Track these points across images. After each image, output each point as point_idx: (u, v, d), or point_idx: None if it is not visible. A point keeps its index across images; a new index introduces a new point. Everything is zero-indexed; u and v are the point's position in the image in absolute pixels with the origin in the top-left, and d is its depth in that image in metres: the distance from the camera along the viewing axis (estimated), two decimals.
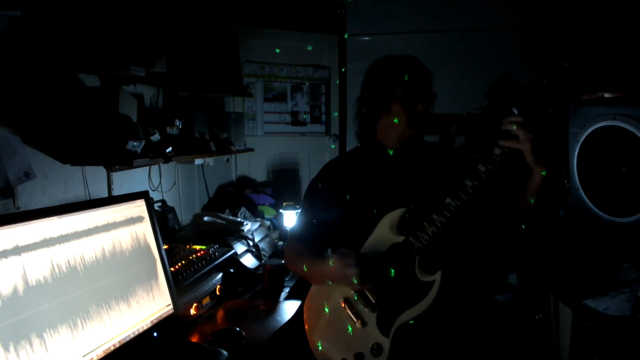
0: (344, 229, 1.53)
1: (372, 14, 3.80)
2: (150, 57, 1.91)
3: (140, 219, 1.49)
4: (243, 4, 3.31)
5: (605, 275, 1.57)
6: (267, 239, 2.53)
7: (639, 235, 1.49)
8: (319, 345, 1.49)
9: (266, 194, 3.38)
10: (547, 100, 1.20)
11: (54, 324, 1.12)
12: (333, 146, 3.95)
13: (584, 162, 1.70)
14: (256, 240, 2.41)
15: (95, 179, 2.01)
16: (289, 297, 1.97)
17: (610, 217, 1.59)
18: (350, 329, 1.42)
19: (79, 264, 1.23)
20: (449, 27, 3.72)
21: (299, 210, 1.69)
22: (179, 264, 1.78)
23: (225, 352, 1.37)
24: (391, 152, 1.51)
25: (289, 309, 1.80)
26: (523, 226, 1.39)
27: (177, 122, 2.30)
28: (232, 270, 1.97)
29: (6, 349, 1.00)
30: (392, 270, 1.38)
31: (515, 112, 1.24)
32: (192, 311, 1.67)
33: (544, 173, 1.27)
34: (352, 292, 1.42)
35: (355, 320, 1.40)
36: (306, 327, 1.55)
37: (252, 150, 3.20)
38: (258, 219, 2.84)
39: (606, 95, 1.67)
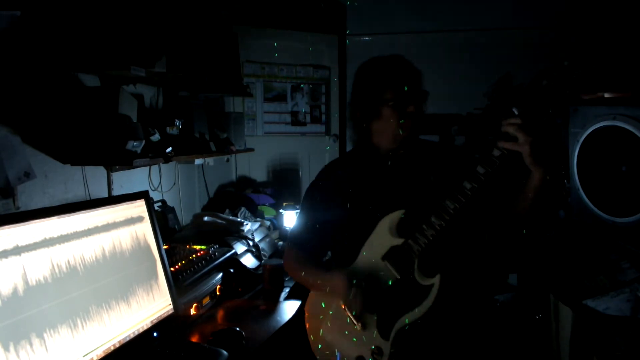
0: (343, 232, 1.52)
1: (372, 14, 3.80)
2: (150, 57, 1.91)
3: (140, 219, 1.49)
4: (243, 4, 3.31)
5: (605, 275, 1.57)
6: (267, 239, 2.53)
7: (639, 235, 1.49)
8: (320, 347, 1.50)
9: (266, 194, 3.38)
10: (547, 100, 1.20)
11: (54, 324, 1.12)
12: (328, 147, 3.94)
13: (584, 162, 1.70)
14: (256, 240, 2.41)
15: (95, 179, 2.01)
16: (289, 297, 1.97)
17: (610, 217, 1.59)
18: (350, 332, 1.41)
19: (79, 264, 1.23)
20: (449, 27, 3.72)
21: (298, 213, 1.68)
22: (179, 264, 1.78)
23: (225, 352, 1.37)
24: (387, 154, 1.51)
25: (289, 309, 1.80)
26: (524, 231, 1.39)
27: (177, 122, 2.30)
28: (232, 270, 1.97)
29: (6, 349, 1.00)
30: (390, 282, 1.38)
31: (515, 112, 1.24)
32: (192, 311, 1.67)
33: (542, 175, 1.27)
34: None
35: (355, 323, 1.40)
36: (307, 328, 1.55)
37: (252, 150, 3.20)
38: (258, 219, 2.84)
39: (606, 95, 1.67)
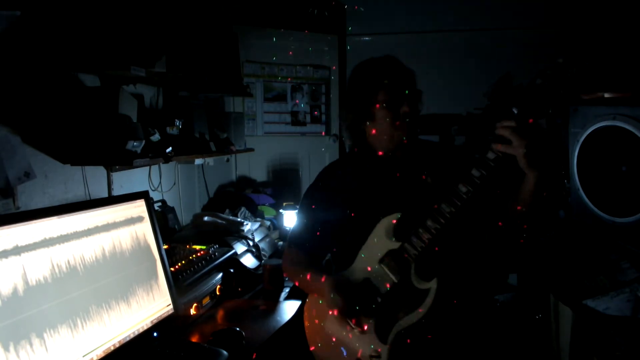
0: (341, 233, 1.52)
1: (372, 14, 3.81)
2: (150, 57, 1.91)
3: (140, 219, 1.49)
4: (243, 4, 3.31)
5: (605, 275, 1.57)
6: (267, 239, 2.53)
7: (639, 235, 1.49)
8: (319, 349, 1.50)
9: (266, 194, 3.38)
10: (543, 100, 1.19)
11: (54, 324, 1.12)
12: (323, 149, 3.94)
13: (584, 162, 1.70)
14: (256, 240, 2.41)
15: (95, 179, 2.01)
16: (289, 297, 1.97)
17: (610, 217, 1.59)
18: (349, 334, 1.41)
19: (79, 264, 1.23)
20: (449, 27, 3.72)
21: (297, 214, 1.68)
22: (179, 264, 1.78)
23: (225, 352, 1.37)
24: (385, 156, 1.50)
25: (289, 309, 1.80)
26: (524, 232, 1.39)
27: (177, 122, 2.30)
28: (232, 270, 1.97)
29: (6, 349, 1.00)
30: (387, 285, 1.38)
31: (515, 111, 1.24)
32: (192, 311, 1.67)
33: (537, 178, 1.26)
34: None
35: (353, 326, 1.39)
36: (306, 330, 1.55)
37: (252, 150, 3.20)
38: (258, 219, 2.84)
39: (606, 95, 1.67)
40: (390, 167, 1.51)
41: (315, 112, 3.94)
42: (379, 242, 1.41)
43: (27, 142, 1.65)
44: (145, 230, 1.50)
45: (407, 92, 1.42)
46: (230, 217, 2.59)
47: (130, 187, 2.23)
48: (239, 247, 2.21)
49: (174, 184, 2.75)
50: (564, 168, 1.81)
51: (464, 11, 3.65)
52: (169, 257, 1.71)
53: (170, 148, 2.12)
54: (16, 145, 1.58)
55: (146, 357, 1.35)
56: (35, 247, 1.12)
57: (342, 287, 1.39)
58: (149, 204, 1.53)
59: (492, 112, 2.69)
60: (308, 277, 1.50)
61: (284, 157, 3.91)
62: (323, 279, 1.43)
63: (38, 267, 1.12)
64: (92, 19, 1.72)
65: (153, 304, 1.45)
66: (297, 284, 1.61)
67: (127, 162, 1.80)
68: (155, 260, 1.51)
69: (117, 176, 2.12)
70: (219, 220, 2.45)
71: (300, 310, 1.64)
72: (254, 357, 1.45)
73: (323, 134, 3.97)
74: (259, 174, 3.83)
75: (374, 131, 1.48)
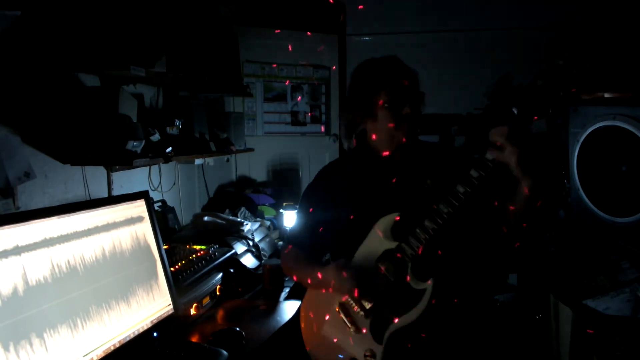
0: (340, 233, 1.52)
1: (372, 14, 3.81)
2: (150, 57, 1.91)
3: (140, 219, 1.49)
4: (243, 4, 3.31)
5: (605, 275, 1.57)
6: (267, 239, 2.53)
7: (639, 235, 1.49)
8: (314, 348, 1.50)
9: (266, 194, 3.38)
10: (543, 101, 1.19)
11: (54, 324, 1.12)
12: (322, 149, 3.94)
13: (584, 162, 1.71)
14: (256, 240, 2.41)
15: (95, 179, 2.01)
16: (289, 297, 1.97)
17: (610, 217, 1.59)
18: (344, 334, 1.41)
19: (79, 264, 1.23)
20: (449, 27, 3.72)
21: (296, 213, 1.68)
22: (179, 264, 1.78)
23: (225, 352, 1.37)
24: (385, 156, 1.50)
25: (289, 309, 1.80)
26: (519, 239, 1.38)
27: (177, 122, 2.30)
28: (232, 270, 1.97)
29: (6, 349, 1.00)
30: (384, 285, 1.37)
31: (515, 111, 1.23)
32: (192, 311, 1.67)
33: (530, 185, 1.25)
34: (346, 298, 1.42)
35: (349, 326, 1.39)
36: (302, 331, 1.55)
37: (252, 150, 3.20)
38: (258, 219, 2.84)
39: (606, 95, 1.68)
40: (389, 167, 1.51)
41: (315, 112, 3.95)
42: (376, 242, 1.41)
43: (27, 142, 1.65)
44: (145, 230, 1.50)
45: (409, 93, 1.42)
46: (230, 217, 2.59)
47: (130, 187, 2.23)
48: (239, 247, 2.21)
49: (174, 184, 2.75)
50: (564, 168, 1.81)
51: (464, 11, 3.65)
52: (169, 257, 1.71)
53: (170, 148, 2.12)
54: (16, 145, 1.58)
55: (146, 357, 1.35)
56: (36, 247, 1.12)
57: (351, 269, 1.36)
58: (149, 204, 1.53)
59: (492, 112, 2.70)
60: (313, 268, 1.49)
61: (284, 157, 3.92)
62: (330, 267, 1.40)
63: (38, 267, 1.12)
64: (92, 19, 1.72)
65: (153, 304, 1.45)
66: (295, 278, 1.60)
67: (127, 162, 1.80)
68: (155, 260, 1.51)
69: (117, 176, 2.12)
70: (219, 220, 2.45)
71: (300, 310, 1.64)
72: None
73: (322, 129, 3.97)
74: (259, 174, 3.83)
75: (374, 131, 1.48)
